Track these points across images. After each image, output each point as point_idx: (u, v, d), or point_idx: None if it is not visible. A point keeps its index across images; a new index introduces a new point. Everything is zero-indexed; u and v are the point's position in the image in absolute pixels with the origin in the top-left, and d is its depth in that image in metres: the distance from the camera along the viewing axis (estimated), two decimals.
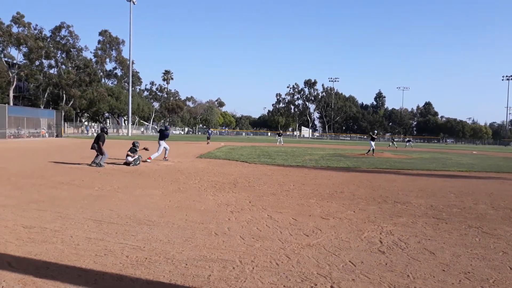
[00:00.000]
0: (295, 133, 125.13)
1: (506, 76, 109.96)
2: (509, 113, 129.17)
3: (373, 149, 27.48)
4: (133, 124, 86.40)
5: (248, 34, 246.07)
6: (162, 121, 74.48)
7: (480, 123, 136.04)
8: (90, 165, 14.01)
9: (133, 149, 15.27)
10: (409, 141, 59.75)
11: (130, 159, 14.99)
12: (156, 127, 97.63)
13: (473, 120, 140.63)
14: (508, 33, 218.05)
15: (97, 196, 8.25)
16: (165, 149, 17.28)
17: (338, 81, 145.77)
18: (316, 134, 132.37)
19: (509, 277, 4.18)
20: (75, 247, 4.71)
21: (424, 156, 29.91)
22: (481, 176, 15.33)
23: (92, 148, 14.62)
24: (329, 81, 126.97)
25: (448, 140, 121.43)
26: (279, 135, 48.50)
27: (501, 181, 13.75)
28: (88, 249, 4.65)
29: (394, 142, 48.72)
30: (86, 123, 78.63)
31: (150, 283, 3.73)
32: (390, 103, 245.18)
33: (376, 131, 31.93)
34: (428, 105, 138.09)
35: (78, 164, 14.59)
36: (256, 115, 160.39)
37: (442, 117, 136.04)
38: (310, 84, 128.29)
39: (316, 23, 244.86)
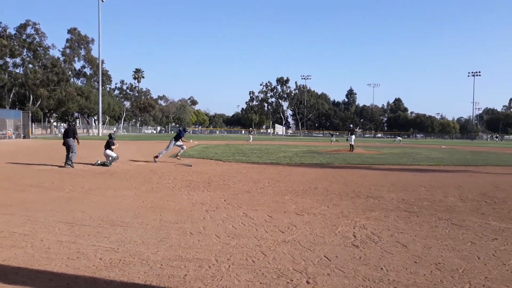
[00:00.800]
0: (268, 131, 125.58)
1: (472, 73, 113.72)
2: (475, 108, 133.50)
3: (351, 145, 27.51)
4: (103, 124, 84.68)
5: (220, 32, 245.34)
6: (178, 125, 73.25)
7: (448, 118, 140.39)
8: (64, 166, 13.72)
9: (112, 142, 15.33)
10: (398, 136, 59.96)
11: (114, 154, 15.09)
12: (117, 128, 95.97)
13: (441, 116, 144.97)
14: (473, 31, 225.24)
15: (68, 198, 8.05)
16: (181, 148, 18.10)
17: (310, 78, 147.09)
18: (290, 131, 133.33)
19: (478, 266, 4.33)
20: (46, 251, 4.58)
21: (394, 151, 30.57)
22: (450, 170, 15.80)
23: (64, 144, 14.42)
24: (302, 78, 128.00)
25: (417, 135, 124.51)
26: (250, 133, 49.12)
27: (469, 174, 14.21)
28: (60, 252, 4.53)
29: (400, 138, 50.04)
30: (55, 123, 76.56)
31: (125, 285, 3.67)
32: (361, 100, 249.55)
33: (351, 125, 32.19)
34: (398, 101, 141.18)
35: (48, 165, 14.20)
36: (229, 113, 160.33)
37: (411, 113, 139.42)
38: (282, 81, 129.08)
39: (288, 21, 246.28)
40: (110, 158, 14.90)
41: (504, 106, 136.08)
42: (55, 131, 62.75)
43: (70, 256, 4.41)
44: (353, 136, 28.00)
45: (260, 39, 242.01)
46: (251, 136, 48.44)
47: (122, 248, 4.72)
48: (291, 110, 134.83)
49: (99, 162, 14.72)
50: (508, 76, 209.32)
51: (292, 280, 3.83)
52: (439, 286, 3.76)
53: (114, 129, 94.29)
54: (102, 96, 71.29)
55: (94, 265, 4.15)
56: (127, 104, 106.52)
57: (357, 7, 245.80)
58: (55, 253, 4.49)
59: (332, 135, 51.46)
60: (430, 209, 7.56)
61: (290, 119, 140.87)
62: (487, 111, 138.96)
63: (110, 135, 15.76)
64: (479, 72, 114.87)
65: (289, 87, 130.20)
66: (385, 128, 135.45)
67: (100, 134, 65.42)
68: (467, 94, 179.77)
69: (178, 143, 17.50)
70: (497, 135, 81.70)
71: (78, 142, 14.70)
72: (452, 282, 3.86)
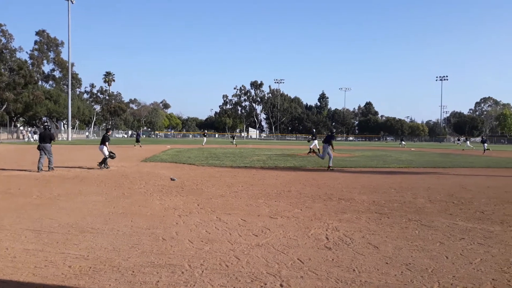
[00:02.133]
0: (242, 134, 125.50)
1: (440, 77, 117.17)
2: (443, 112, 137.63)
3: (311, 149, 26.58)
4: (73, 128, 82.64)
5: (192, 35, 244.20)
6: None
7: (418, 121, 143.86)
8: (38, 171, 13.44)
9: (107, 137, 15.99)
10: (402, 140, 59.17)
11: (106, 152, 15.51)
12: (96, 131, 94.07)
13: (411, 119, 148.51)
14: (440, 36, 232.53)
15: (35, 204, 7.81)
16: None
17: (283, 82, 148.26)
18: (263, 135, 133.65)
19: (446, 266, 4.45)
20: (12, 260, 4.43)
21: (366, 154, 31.11)
22: (419, 172, 16.20)
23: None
24: (275, 82, 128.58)
25: (388, 138, 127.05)
26: (204, 135, 49.55)
27: (437, 176, 14.61)
28: (27, 261, 4.38)
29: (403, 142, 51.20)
30: (22, 127, 74.14)
31: None
32: (333, 104, 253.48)
33: (314, 130, 31.83)
34: (368, 105, 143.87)
35: (16, 170, 13.74)
36: (203, 116, 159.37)
37: (382, 116, 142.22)
38: (256, 85, 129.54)
39: (261, 24, 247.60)
40: (108, 154, 15.63)
41: (470, 109, 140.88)
42: (27, 136, 60.13)
43: (37, 264, 4.28)
44: (316, 141, 27.61)
45: (233, 42, 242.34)
46: (234, 140, 50.17)
47: (92, 255, 4.61)
48: (264, 114, 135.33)
49: (105, 166, 15.50)
50: (473, 80, 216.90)
51: (265, 284, 3.83)
52: (409, 286, 3.84)
53: (86, 133, 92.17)
54: (71, 100, 69.49)
55: (63, 273, 4.03)
56: (98, 108, 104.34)
57: (327, 12, 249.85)
58: (22, 262, 4.34)
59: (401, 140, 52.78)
60: (400, 211, 7.72)
61: (263, 123, 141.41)
62: (454, 114, 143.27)
63: (107, 130, 16.98)
64: (447, 76, 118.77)
65: (263, 90, 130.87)
66: (357, 131, 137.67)
67: (70, 139, 63.82)
68: (435, 98, 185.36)
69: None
70: (459, 138, 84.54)
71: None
72: (422, 281, 3.96)
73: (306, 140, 32.99)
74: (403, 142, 52.82)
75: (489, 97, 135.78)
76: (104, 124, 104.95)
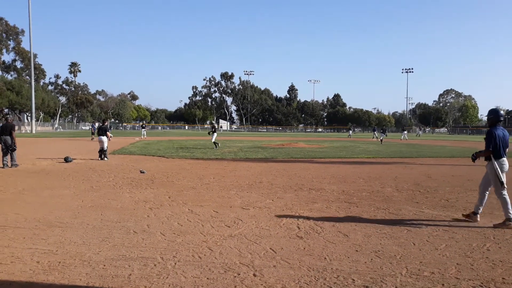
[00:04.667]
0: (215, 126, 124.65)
1: (405, 69, 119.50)
2: (409, 103, 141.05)
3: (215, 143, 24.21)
4: (37, 120, 79.91)
5: (161, 24, 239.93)
6: (211, 121, 67.87)
7: (384, 113, 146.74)
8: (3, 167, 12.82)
9: (106, 127, 16.30)
10: (404, 131, 55.51)
11: (105, 144, 15.94)
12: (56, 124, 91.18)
13: (377, 110, 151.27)
14: (405, 28, 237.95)
15: None
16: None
17: (253, 74, 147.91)
18: (234, 126, 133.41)
19: (413, 252, 4.60)
20: None
21: (334, 145, 31.61)
22: (387, 162, 16.62)
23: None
24: (245, 74, 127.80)
25: (356, 129, 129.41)
26: (142, 127, 43.59)
27: (404, 166, 15.03)
28: None
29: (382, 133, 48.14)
30: None
31: (66, 287, 3.51)
32: (303, 96, 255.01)
33: (213, 122, 29.02)
34: (337, 96, 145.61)
35: None
36: (172, 108, 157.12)
37: (350, 108, 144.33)
38: (227, 77, 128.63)
39: (230, 15, 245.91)
40: (105, 146, 15.93)
41: (434, 101, 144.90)
42: None
43: (3, 261, 4.14)
44: (215, 134, 24.19)
45: (202, 33, 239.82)
46: (144, 131, 42.82)
47: (62, 250, 4.50)
48: (235, 106, 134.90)
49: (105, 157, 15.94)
50: (437, 73, 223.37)
51: (239, 274, 3.86)
52: (379, 272, 3.95)
53: (56, 125, 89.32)
54: (35, 91, 67.03)
55: (31, 269, 3.92)
56: (63, 99, 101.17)
57: (296, 4, 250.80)
58: None
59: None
60: (368, 200, 7.91)
61: (234, 115, 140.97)
62: (420, 105, 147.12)
63: (103, 120, 17.20)
64: (412, 69, 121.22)
65: (233, 82, 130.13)
66: (325, 123, 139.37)
67: (34, 131, 61.57)
68: (401, 90, 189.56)
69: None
70: (420, 128, 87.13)
71: (14, 140, 13.35)
72: (391, 268, 4.08)
73: (207, 132, 30.26)
74: (375, 133, 52.06)
75: (451, 89, 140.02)
76: (70, 116, 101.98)
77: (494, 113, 6.28)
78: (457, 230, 5.59)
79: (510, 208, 5.87)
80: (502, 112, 6.38)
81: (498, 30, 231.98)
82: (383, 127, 42.72)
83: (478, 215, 6.18)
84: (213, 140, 24.37)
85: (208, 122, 29.72)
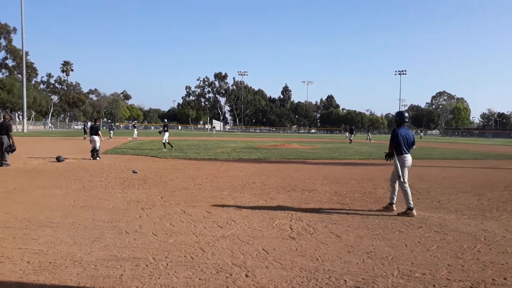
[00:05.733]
0: (206, 126, 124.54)
1: (398, 71, 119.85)
2: (402, 105, 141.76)
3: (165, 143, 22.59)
4: (29, 119, 79.22)
5: (154, 25, 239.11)
6: (163, 119, 67.33)
7: (377, 114, 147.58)
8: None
9: (98, 127, 16.34)
10: (418, 132, 53.59)
11: (98, 143, 15.95)
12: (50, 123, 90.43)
13: (370, 112, 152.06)
14: (399, 31, 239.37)
15: None
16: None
17: (247, 74, 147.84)
18: (227, 127, 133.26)
19: (405, 253, 4.62)
20: None
21: (327, 146, 31.70)
22: (379, 163, 16.68)
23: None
24: (239, 74, 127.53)
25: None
26: (134, 127, 43.58)
27: None
28: None
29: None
30: None
31: None
32: (296, 97, 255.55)
33: (166, 120, 26.35)
34: (330, 98, 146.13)
35: None
36: (165, 108, 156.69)
37: (343, 109, 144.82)
38: (220, 77, 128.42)
39: (225, 16, 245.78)
40: (97, 145, 15.97)
41: (427, 103, 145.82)
42: None
43: None
44: (167, 133, 22.49)
45: (196, 33, 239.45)
46: (214, 131, 44.04)
47: (52, 250, 4.47)
48: (228, 106, 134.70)
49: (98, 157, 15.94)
50: (430, 75, 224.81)
51: (231, 275, 3.85)
52: (370, 273, 3.97)
53: (49, 125, 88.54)
54: (27, 90, 66.40)
55: (21, 269, 3.88)
56: (55, 98, 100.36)
57: (291, 5, 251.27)
58: None
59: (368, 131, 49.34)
60: (361, 201, 7.94)
61: (227, 115, 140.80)
62: (412, 107, 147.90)
63: (95, 120, 17.54)
64: (405, 71, 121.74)
65: (227, 82, 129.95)
66: (319, 124, 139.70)
67: (25, 130, 61.07)
68: (394, 92, 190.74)
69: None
70: (422, 129, 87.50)
71: (12, 140, 13.13)
72: (383, 269, 4.10)
73: (158, 132, 28.60)
74: (421, 133, 51.25)
75: (444, 91, 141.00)
76: (62, 115, 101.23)
77: (400, 116, 7.14)
78: (449, 232, 5.63)
79: (410, 198, 6.71)
80: (406, 114, 7.21)
81: (491, 32, 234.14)
82: (352, 127, 43.24)
83: (394, 205, 7.05)
84: (163, 140, 22.32)
85: (164, 121, 28.03)
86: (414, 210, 6.67)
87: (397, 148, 6.90)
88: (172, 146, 22.96)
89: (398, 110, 6.96)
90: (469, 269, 4.14)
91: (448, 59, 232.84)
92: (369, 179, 11.20)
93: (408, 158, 6.94)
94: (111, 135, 40.84)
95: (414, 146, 7.18)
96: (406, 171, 6.88)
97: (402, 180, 6.77)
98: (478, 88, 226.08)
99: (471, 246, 4.96)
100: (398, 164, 6.83)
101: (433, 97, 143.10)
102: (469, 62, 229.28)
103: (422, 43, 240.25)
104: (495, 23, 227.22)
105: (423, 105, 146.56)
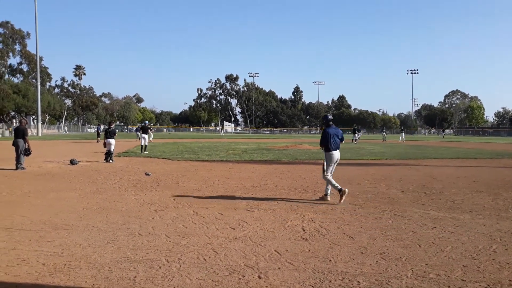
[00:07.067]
0: (217, 128, 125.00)
1: (410, 70, 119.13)
2: (414, 104, 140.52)
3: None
4: (43, 123, 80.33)
5: (166, 28, 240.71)
6: (144, 121, 67.74)
7: (389, 114, 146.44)
8: (16, 169, 12.86)
9: (114, 131, 16.39)
10: (439, 132, 52.99)
11: (112, 146, 16.08)
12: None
13: (383, 112, 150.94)
14: (410, 30, 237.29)
15: (5, 202, 7.58)
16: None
17: (258, 76, 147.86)
18: (239, 128, 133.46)
19: (419, 254, 4.58)
20: None
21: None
22: (392, 163, 16.55)
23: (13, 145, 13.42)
24: (249, 76, 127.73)
25: (361, 130, 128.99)
26: (138, 130, 42.65)
27: (409, 167, 14.97)
28: None
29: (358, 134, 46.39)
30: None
31: None
32: (307, 97, 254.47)
33: (147, 122, 25.23)
34: (342, 98, 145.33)
35: None
36: (177, 110, 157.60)
37: (355, 109, 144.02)
38: (231, 79, 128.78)
39: (235, 18, 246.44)
40: (112, 148, 16.12)
41: (439, 102, 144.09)
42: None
43: (9, 263, 4.16)
44: (146, 135, 21.70)
45: (208, 36, 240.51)
46: (222, 132, 44.28)
47: (67, 252, 4.52)
48: (239, 108, 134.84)
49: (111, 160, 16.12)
50: (443, 73, 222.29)
51: (244, 276, 3.86)
52: (384, 274, 3.94)
53: (65, 128, 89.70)
54: (41, 94, 67.41)
55: (36, 271, 3.94)
56: (69, 102, 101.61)
57: (302, 6, 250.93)
58: None
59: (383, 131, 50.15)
60: (374, 201, 7.89)
61: (239, 116, 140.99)
62: (425, 107, 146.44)
63: (109, 123, 17.13)
64: (417, 70, 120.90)
65: (238, 84, 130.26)
66: None
67: (40, 134, 61.95)
68: (406, 91, 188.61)
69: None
70: (443, 129, 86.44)
71: (28, 144, 13.45)
72: (396, 270, 4.06)
73: (136, 134, 27.85)
74: (443, 132, 51.08)
75: (457, 90, 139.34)
76: (75, 119, 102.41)
77: (324, 119, 8.30)
78: (463, 232, 5.56)
79: (328, 188, 7.92)
80: (330, 116, 8.30)
81: (505, 30, 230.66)
82: (355, 127, 41.92)
83: (328, 196, 7.99)
84: (143, 143, 21.51)
85: (145, 122, 26.89)
86: (328, 196, 7.94)
87: (325, 146, 7.94)
88: (145, 150, 21.33)
89: (324, 115, 8.50)
90: (485, 270, 4.08)
91: (461, 58, 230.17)
92: (382, 180, 11.11)
93: (335, 154, 8.00)
94: (144, 137, 40.34)
95: (343, 141, 8.42)
96: (331, 165, 7.96)
97: (325, 173, 7.84)
98: (492, 87, 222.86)
99: (487, 246, 4.89)
100: (325, 160, 7.99)
101: (446, 96, 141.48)
102: (482, 60, 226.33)
103: (434, 42, 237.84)
104: (509, 21, 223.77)
105: (436, 104, 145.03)
